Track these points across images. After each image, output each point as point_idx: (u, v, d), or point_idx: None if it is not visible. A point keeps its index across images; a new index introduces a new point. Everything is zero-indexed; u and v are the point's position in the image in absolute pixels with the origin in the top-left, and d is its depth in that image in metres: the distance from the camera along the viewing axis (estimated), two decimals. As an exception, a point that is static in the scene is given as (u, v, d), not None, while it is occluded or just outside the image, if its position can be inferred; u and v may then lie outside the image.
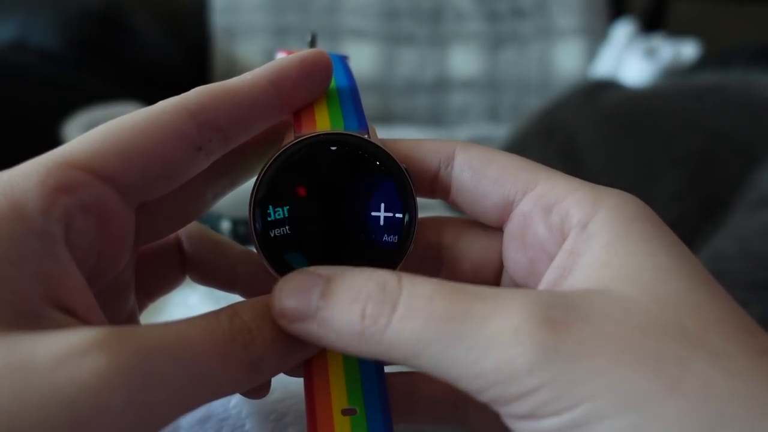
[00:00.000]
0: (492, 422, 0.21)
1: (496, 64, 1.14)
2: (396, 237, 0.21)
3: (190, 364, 0.16)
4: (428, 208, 0.32)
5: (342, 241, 0.20)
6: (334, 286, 0.17)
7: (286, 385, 0.24)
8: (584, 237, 0.18)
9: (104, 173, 0.17)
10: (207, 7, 1.13)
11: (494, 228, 0.22)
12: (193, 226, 0.24)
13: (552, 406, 0.15)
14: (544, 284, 0.19)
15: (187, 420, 0.23)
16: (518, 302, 0.16)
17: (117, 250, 0.19)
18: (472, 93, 1.14)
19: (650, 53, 0.97)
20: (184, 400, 0.16)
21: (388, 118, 1.11)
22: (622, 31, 1.05)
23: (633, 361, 0.15)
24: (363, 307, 0.17)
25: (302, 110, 0.22)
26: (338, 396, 0.19)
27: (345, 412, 0.19)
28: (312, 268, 0.18)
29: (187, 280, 0.24)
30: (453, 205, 0.22)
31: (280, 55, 0.22)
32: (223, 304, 0.18)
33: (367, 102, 0.41)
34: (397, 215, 0.21)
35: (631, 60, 0.99)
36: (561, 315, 0.16)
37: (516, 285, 0.21)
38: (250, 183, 0.21)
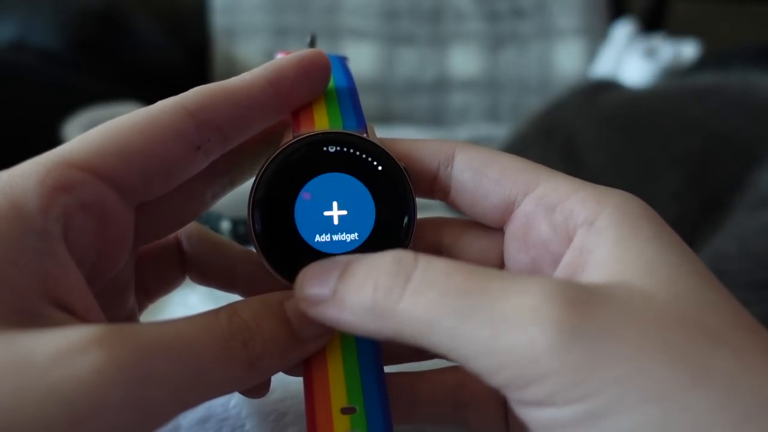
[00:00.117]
0: (492, 423, 0.21)
1: (496, 64, 1.14)
2: (394, 237, 0.21)
3: (189, 361, 0.16)
4: (428, 208, 0.32)
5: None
6: (351, 269, 0.17)
7: (286, 385, 0.24)
8: (593, 234, 0.18)
9: (103, 172, 0.17)
10: (207, 7, 1.13)
11: (494, 228, 0.22)
12: (193, 226, 0.24)
13: (571, 392, 0.14)
14: None
15: (187, 420, 0.23)
16: (538, 284, 0.15)
17: (116, 249, 0.19)
18: (472, 93, 1.14)
19: (650, 53, 0.97)
20: (183, 398, 0.16)
21: (388, 118, 1.11)
22: (622, 31, 1.05)
23: (656, 351, 0.14)
24: (376, 280, 0.17)
25: (301, 110, 0.22)
26: (338, 394, 0.19)
27: (344, 411, 0.19)
28: (334, 257, 0.18)
29: (187, 280, 0.24)
30: (452, 206, 0.22)
31: (280, 56, 0.22)
32: (222, 304, 0.18)
33: (367, 102, 0.41)
34: (396, 215, 0.21)
35: (631, 60, 0.99)
36: (583, 297, 0.15)
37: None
38: (249, 183, 0.21)
